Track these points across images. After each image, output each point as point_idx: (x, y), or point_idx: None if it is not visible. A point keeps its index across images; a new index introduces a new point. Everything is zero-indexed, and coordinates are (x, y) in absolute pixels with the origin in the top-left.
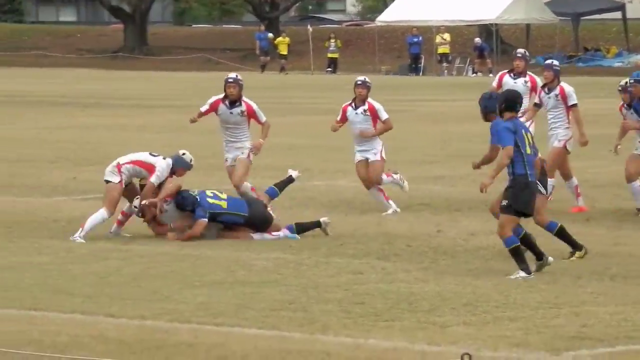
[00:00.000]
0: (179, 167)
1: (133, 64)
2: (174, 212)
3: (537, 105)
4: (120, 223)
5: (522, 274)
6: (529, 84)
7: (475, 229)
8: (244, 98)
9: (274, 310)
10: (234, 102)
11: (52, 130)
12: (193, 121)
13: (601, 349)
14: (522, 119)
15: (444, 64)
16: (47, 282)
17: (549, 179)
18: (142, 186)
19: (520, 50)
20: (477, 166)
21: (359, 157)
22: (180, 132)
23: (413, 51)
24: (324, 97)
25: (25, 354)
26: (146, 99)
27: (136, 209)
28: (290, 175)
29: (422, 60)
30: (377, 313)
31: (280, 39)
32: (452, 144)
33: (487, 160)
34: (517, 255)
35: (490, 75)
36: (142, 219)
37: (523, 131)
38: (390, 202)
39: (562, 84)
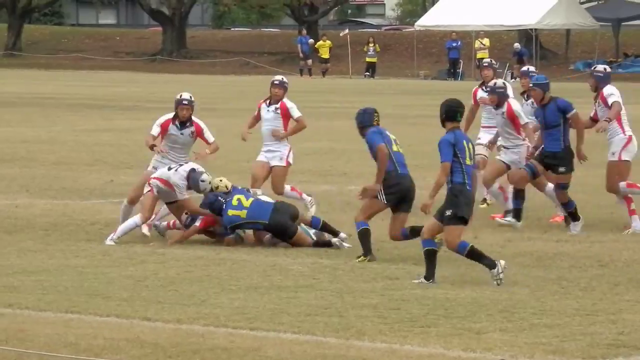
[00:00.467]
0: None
1: (171, 67)
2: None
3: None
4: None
5: (422, 279)
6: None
7: (513, 236)
8: (194, 118)
9: (310, 315)
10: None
11: (90, 133)
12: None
13: (638, 357)
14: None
15: None
16: (84, 285)
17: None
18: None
19: (487, 60)
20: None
21: (261, 157)
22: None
23: (452, 56)
24: (361, 102)
25: (61, 357)
26: None
27: (185, 215)
28: (329, 241)
29: (461, 65)
30: (412, 319)
31: (321, 42)
32: None
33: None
34: (430, 259)
35: None
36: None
37: (464, 142)
38: (304, 195)
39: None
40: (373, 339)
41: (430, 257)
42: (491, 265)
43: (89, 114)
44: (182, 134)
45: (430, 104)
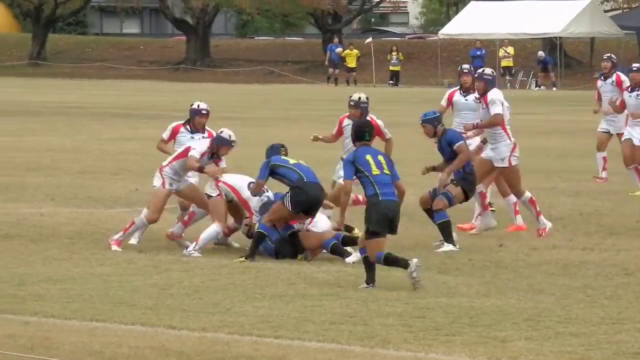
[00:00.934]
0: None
1: (195, 76)
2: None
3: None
4: (226, 235)
5: (363, 284)
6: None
7: (538, 244)
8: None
9: (334, 324)
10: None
11: (115, 142)
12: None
13: None
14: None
15: (507, 78)
16: (109, 294)
17: None
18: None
19: (466, 66)
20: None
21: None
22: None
23: (476, 64)
24: (385, 110)
25: None
26: None
27: (246, 227)
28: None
29: None
30: (437, 327)
31: (348, 51)
32: None
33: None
34: (368, 266)
35: (554, 89)
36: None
37: (367, 156)
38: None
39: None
40: (398, 347)
41: (367, 263)
42: (405, 265)
43: (113, 123)
44: (192, 137)
45: None
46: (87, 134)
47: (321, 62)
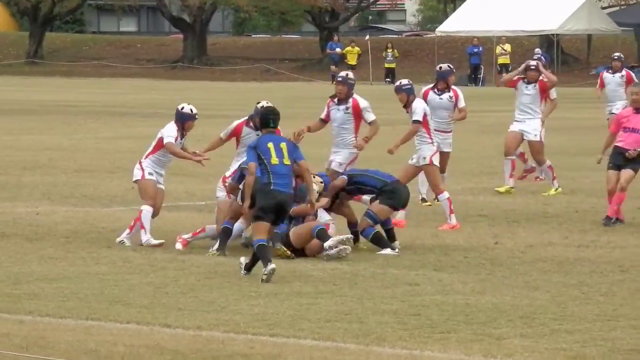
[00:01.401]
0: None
1: (192, 74)
2: None
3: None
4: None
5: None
6: (453, 99)
7: (533, 241)
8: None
9: (330, 322)
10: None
11: (111, 141)
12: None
13: None
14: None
15: (504, 75)
16: (104, 293)
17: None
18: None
19: (443, 66)
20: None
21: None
22: None
23: (473, 61)
24: (381, 108)
25: None
26: (205, 109)
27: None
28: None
29: (482, 71)
30: (433, 325)
31: (349, 48)
32: None
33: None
34: (261, 253)
35: None
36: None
37: (269, 143)
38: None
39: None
40: (393, 345)
41: (260, 253)
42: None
43: (110, 121)
44: (181, 143)
45: None
46: (84, 133)
47: (318, 60)
